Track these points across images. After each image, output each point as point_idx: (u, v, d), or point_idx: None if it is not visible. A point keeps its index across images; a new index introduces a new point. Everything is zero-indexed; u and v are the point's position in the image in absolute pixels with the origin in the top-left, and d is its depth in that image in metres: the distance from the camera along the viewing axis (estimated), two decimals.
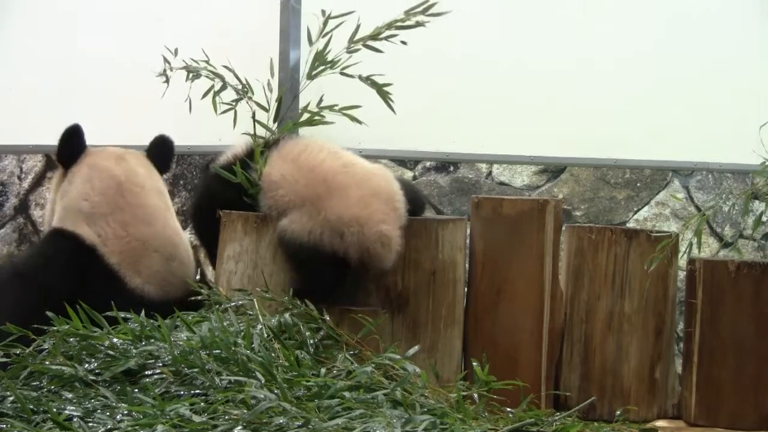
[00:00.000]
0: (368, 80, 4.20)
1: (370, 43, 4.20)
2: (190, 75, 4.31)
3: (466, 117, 5.13)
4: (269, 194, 4.05)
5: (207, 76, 4.30)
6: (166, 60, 4.33)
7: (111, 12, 5.28)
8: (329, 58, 4.20)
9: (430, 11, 4.20)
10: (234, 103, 4.28)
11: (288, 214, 3.99)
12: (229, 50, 4.97)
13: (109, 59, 5.24)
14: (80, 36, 5.28)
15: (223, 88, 4.28)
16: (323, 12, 4.22)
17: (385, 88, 4.20)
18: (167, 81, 4.34)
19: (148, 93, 5.08)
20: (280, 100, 4.29)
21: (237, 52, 4.87)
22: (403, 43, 4.20)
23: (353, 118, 4.21)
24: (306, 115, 4.24)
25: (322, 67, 4.22)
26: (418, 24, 4.19)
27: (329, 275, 3.93)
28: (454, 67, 5.11)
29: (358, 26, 4.20)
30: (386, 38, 4.20)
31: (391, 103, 4.20)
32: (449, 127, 5.15)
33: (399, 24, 4.20)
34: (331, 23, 4.21)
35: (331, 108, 4.20)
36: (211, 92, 4.29)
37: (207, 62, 4.31)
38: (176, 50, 4.33)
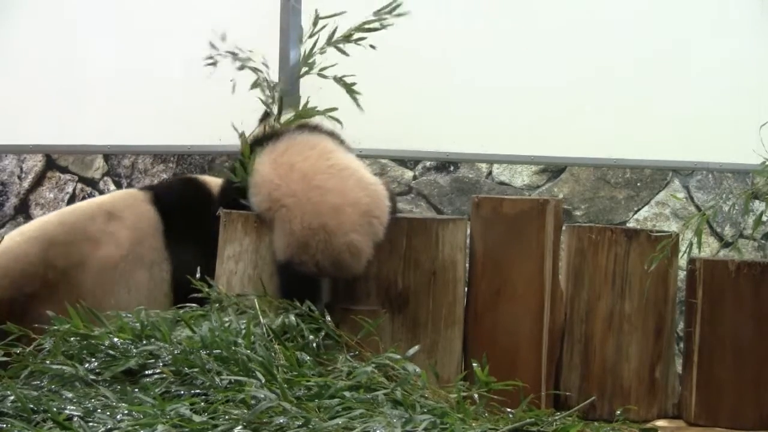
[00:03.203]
0: (340, 81, 4.20)
1: (343, 45, 4.21)
2: (238, 64, 4.28)
3: (466, 117, 5.13)
4: (254, 197, 4.04)
5: (250, 67, 4.28)
6: (213, 45, 4.29)
7: (111, 12, 5.28)
8: (312, 58, 4.21)
9: (396, 12, 4.22)
10: (268, 94, 4.25)
11: (272, 224, 3.98)
12: (230, 49, 4.96)
13: (109, 59, 5.24)
14: (80, 36, 5.28)
15: (261, 80, 4.27)
16: (316, 11, 4.23)
17: (355, 87, 4.20)
18: (214, 64, 4.30)
19: (149, 93, 5.08)
20: (281, 100, 4.28)
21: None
22: (372, 47, 4.21)
23: (334, 119, 4.21)
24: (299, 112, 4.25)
25: (305, 69, 4.23)
26: (382, 27, 4.21)
27: (303, 289, 3.90)
28: (455, 67, 5.11)
29: (335, 29, 4.20)
30: (356, 41, 4.21)
31: (359, 101, 4.20)
32: (449, 127, 5.14)
33: (366, 27, 4.21)
34: (320, 23, 4.22)
35: (313, 111, 4.19)
36: (255, 83, 4.28)
37: (251, 52, 4.29)
38: (224, 35, 4.30)
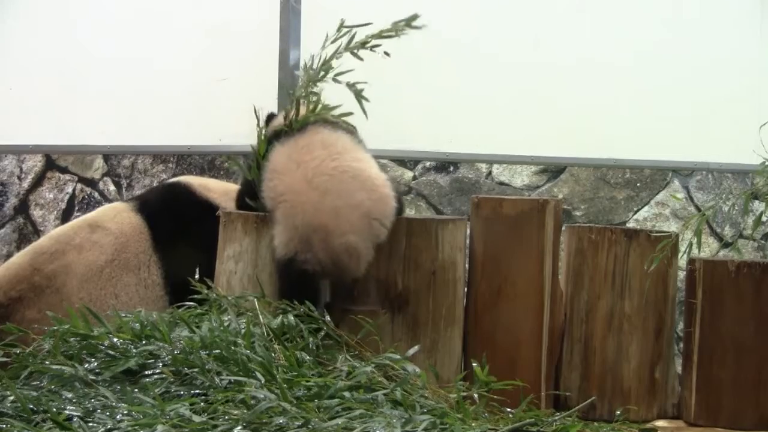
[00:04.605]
0: (352, 87, 4.22)
1: (358, 51, 4.24)
2: None
3: (466, 117, 5.13)
4: (266, 182, 4.05)
5: None
6: None
7: (111, 12, 5.28)
8: (329, 62, 4.22)
9: (413, 23, 4.24)
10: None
11: (275, 217, 3.98)
12: (230, 49, 4.97)
13: (109, 59, 5.24)
14: (80, 36, 5.28)
15: None
16: (342, 20, 4.21)
17: (364, 92, 4.22)
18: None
19: (149, 93, 5.08)
20: (298, 101, 4.25)
21: (237, 51, 4.88)
22: (386, 54, 4.23)
23: (348, 124, 4.21)
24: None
25: (322, 73, 4.23)
26: (397, 35, 4.24)
27: (305, 287, 3.90)
28: (455, 67, 5.11)
29: (353, 35, 4.20)
30: (371, 48, 4.22)
31: (365, 108, 4.22)
32: (449, 127, 5.14)
33: (383, 34, 4.23)
34: (324, 28, 4.23)
35: (327, 110, 4.19)
36: None
37: None
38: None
